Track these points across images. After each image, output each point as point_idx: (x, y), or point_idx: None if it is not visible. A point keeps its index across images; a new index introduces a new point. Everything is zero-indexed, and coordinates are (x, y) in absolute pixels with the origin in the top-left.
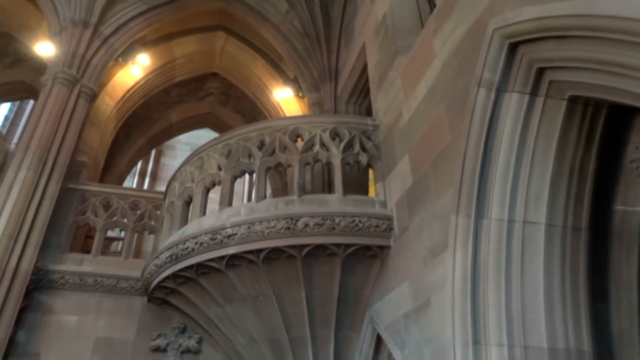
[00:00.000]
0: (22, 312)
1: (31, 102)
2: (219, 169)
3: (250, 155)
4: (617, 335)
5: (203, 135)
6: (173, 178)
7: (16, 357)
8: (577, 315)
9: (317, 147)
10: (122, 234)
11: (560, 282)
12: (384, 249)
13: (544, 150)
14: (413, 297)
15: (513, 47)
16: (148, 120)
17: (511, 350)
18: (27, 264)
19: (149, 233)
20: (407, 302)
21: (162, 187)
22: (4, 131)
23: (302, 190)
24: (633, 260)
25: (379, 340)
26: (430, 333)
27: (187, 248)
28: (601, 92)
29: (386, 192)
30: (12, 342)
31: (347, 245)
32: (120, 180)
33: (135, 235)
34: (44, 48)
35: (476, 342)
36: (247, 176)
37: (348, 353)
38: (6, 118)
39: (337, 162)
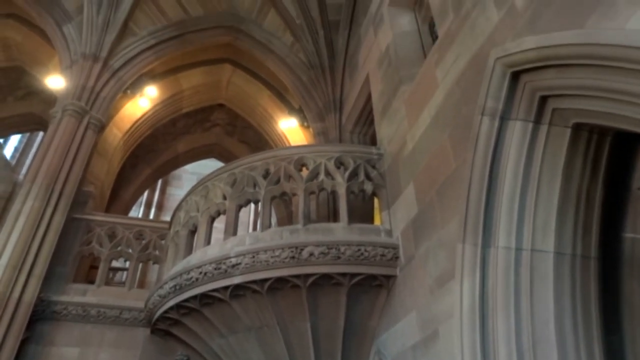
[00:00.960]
0: (24, 343)
1: (41, 133)
2: (224, 198)
3: (255, 185)
4: None
5: (209, 165)
6: (178, 207)
7: None
8: (590, 347)
9: (322, 176)
10: (127, 264)
11: (572, 312)
12: (390, 278)
13: (550, 178)
14: (420, 328)
15: (515, 76)
16: (154, 151)
17: None
18: (30, 295)
19: (154, 263)
20: (414, 333)
21: (168, 217)
22: (14, 162)
23: (307, 219)
24: None
25: None
26: None
27: (191, 278)
28: (605, 119)
29: (391, 220)
30: None
31: (353, 275)
32: (126, 211)
33: (140, 265)
34: (55, 81)
35: None
36: (252, 205)
37: None
38: (16, 149)
39: (342, 190)
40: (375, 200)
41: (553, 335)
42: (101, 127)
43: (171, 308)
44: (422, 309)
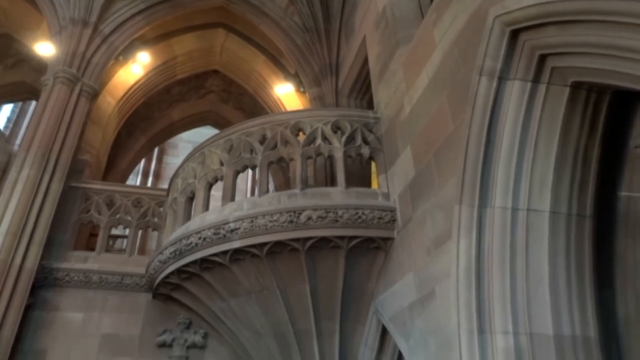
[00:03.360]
0: (28, 309)
1: (33, 103)
2: (221, 164)
3: (252, 150)
4: (623, 321)
5: (205, 133)
6: (175, 175)
7: (23, 354)
8: (583, 302)
9: (319, 141)
10: (126, 232)
11: (566, 269)
12: (387, 240)
13: (547, 138)
14: (417, 288)
15: (514, 35)
16: (149, 119)
17: (517, 337)
18: (31, 262)
19: (153, 230)
20: (411, 293)
21: (165, 186)
22: (7, 132)
23: (305, 184)
24: (639, 245)
25: (384, 332)
26: (435, 323)
27: (190, 243)
28: (604, 77)
29: (389, 184)
30: (18, 339)
31: (351, 238)
32: (123, 179)
33: (140, 232)
34: (44, 48)
35: (481, 331)
36: (249, 173)
37: (353, 345)
38: (9, 119)
39: (339, 155)
40: (373, 165)
41: (547, 292)
42: (94, 95)
43: (172, 273)
44: (419, 270)
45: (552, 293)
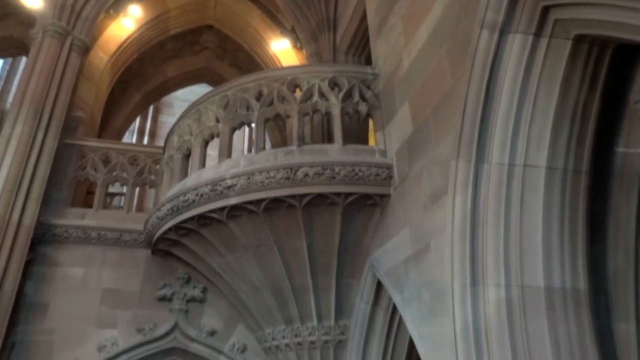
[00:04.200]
0: (29, 264)
1: (24, 59)
2: (217, 121)
3: (248, 107)
4: (613, 274)
5: (200, 92)
6: (171, 132)
7: (26, 307)
8: (575, 256)
9: (315, 97)
10: (124, 189)
11: (559, 224)
12: (384, 197)
13: (547, 92)
14: (413, 243)
15: None
16: (143, 76)
17: (508, 289)
18: (29, 218)
19: (150, 187)
20: (406, 248)
21: (160, 145)
22: None
23: (302, 141)
24: (632, 201)
25: (379, 286)
26: (429, 276)
27: (187, 200)
28: (608, 29)
29: (386, 140)
30: (21, 292)
31: (347, 194)
32: (118, 138)
33: (137, 190)
34: (32, 0)
35: (474, 283)
36: (246, 133)
37: (349, 299)
38: None
39: (336, 112)
40: (370, 123)
41: (540, 246)
42: (85, 49)
43: (170, 229)
44: (415, 225)
45: (544, 247)
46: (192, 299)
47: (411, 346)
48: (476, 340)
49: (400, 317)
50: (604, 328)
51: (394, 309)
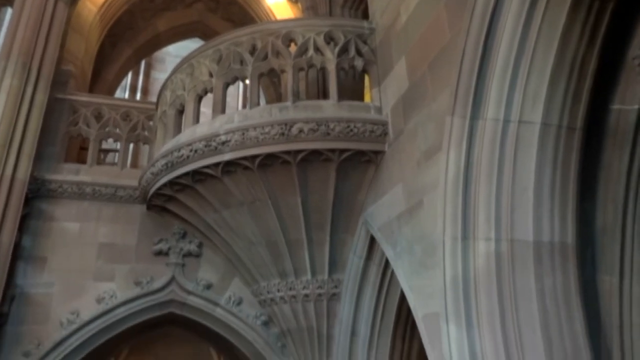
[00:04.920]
0: (25, 219)
1: (9, 10)
2: (210, 75)
3: (241, 61)
4: (601, 229)
5: (193, 48)
6: (164, 87)
7: (24, 261)
8: (564, 211)
9: (311, 52)
10: (117, 146)
11: (551, 180)
12: (378, 154)
13: (545, 48)
14: (406, 199)
15: None
16: (133, 29)
17: (498, 243)
18: (23, 173)
19: (143, 143)
20: (400, 204)
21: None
22: None
23: (296, 97)
24: (624, 157)
25: (372, 241)
26: (421, 231)
27: (182, 155)
28: None
29: (382, 97)
30: (19, 246)
31: (342, 151)
32: (110, 94)
33: (131, 147)
34: None
35: (465, 238)
36: (240, 90)
37: (343, 254)
38: None
39: (331, 67)
40: (367, 80)
41: (531, 202)
42: (72, 0)
43: (164, 185)
44: (409, 182)
45: (535, 202)
46: (188, 254)
47: (402, 298)
48: (465, 291)
49: (392, 271)
50: (588, 281)
51: (387, 263)
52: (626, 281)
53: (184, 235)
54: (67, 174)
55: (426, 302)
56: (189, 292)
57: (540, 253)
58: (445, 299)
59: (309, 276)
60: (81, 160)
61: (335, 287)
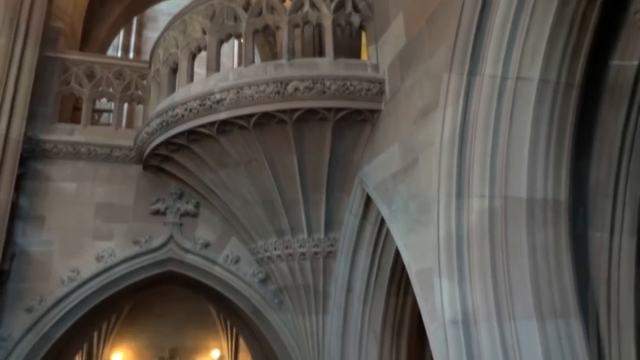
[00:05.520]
0: (21, 179)
1: None
2: (204, 32)
3: (235, 17)
4: (594, 187)
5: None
6: (156, 44)
7: (22, 220)
8: (559, 169)
9: (306, 7)
10: (111, 106)
11: (546, 138)
12: (374, 112)
13: (546, 3)
14: (402, 157)
15: None
16: None
17: (492, 200)
18: (16, 133)
19: (137, 103)
20: (396, 163)
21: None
22: None
23: (292, 54)
24: (621, 115)
25: (368, 200)
26: (416, 189)
27: (176, 115)
28: None
29: (378, 54)
30: (16, 206)
31: (338, 110)
32: (101, 53)
33: (126, 106)
34: None
35: (459, 195)
36: (235, 50)
37: (339, 213)
38: None
39: (327, 23)
40: (364, 38)
41: (525, 159)
42: None
43: (160, 145)
44: (405, 140)
45: (530, 160)
46: (186, 213)
47: (396, 256)
48: (458, 247)
49: (387, 230)
50: (579, 237)
51: (382, 222)
52: (616, 237)
53: (181, 195)
54: (61, 134)
55: (420, 258)
56: (187, 251)
57: (533, 209)
58: (439, 254)
59: (305, 235)
60: (75, 120)
61: (331, 245)
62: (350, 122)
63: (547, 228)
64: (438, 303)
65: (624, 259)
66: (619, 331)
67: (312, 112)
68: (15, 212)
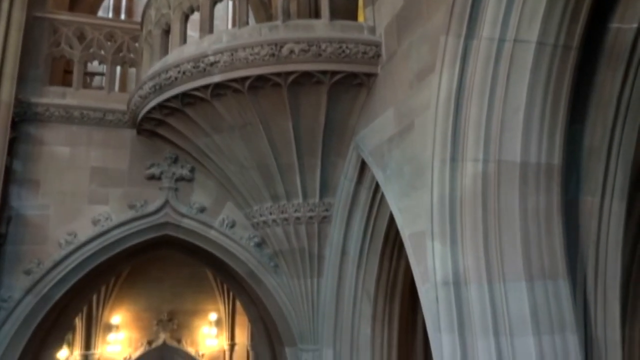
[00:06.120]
0: (14, 143)
1: None
2: None
3: None
4: (587, 151)
5: None
6: (148, 5)
7: (17, 184)
8: (553, 133)
9: None
10: (103, 69)
11: (542, 101)
12: (371, 76)
13: None
14: (397, 121)
15: None
16: None
17: (485, 164)
18: (7, 95)
19: (130, 66)
20: (391, 127)
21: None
22: None
23: (287, 15)
24: (618, 78)
25: (363, 165)
26: (411, 153)
27: (170, 77)
28: None
29: (375, 16)
30: (10, 170)
31: (334, 73)
32: (91, 14)
33: (118, 69)
34: None
35: (454, 159)
36: (230, 12)
37: (334, 177)
38: None
39: None
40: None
41: (521, 123)
42: None
43: (154, 108)
44: (400, 104)
45: (525, 124)
46: (181, 178)
47: (390, 221)
48: (451, 210)
49: (382, 194)
50: (571, 201)
51: (377, 187)
52: (607, 200)
53: (175, 160)
54: (53, 97)
55: (413, 221)
56: (183, 215)
57: (526, 174)
58: (432, 217)
59: (300, 199)
60: (67, 83)
61: (326, 210)
62: (346, 86)
63: (539, 192)
64: (430, 265)
65: (613, 222)
66: (605, 292)
67: (307, 75)
68: (9, 177)
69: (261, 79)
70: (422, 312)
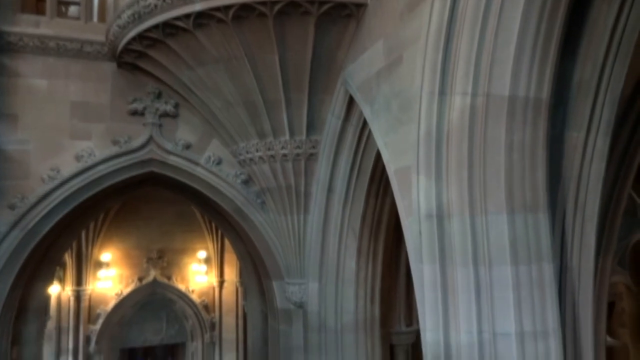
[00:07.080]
0: None
1: None
2: None
3: None
4: (576, 86)
5: None
6: None
7: None
8: (543, 67)
9: None
10: None
11: (534, 35)
12: (360, 7)
13: None
14: (386, 55)
15: None
16: None
17: (474, 98)
18: None
19: None
20: (379, 61)
21: None
22: None
23: None
24: (612, 13)
25: (350, 101)
26: (399, 87)
27: (149, 5)
28: None
29: None
30: None
31: (322, 3)
32: None
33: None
34: None
35: (442, 92)
36: None
37: (321, 114)
38: None
39: None
40: None
41: (511, 56)
42: None
43: (133, 39)
44: (390, 36)
45: (515, 57)
46: (165, 114)
47: (377, 158)
48: (437, 144)
49: (369, 132)
50: (557, 137)
51: (364, 124)
52: (592, 135)
53: (159, 95)
54: (26, 26)
55: (400, 156)
56: (169, 152)
57: (514, 108)
58: (418, 152)
59: (287, 136)
60: (40, 12)
61: (313, 147)
62: (335, 17)
63: (526, 126)
64: (414, 199)
65: (596, 156)
66: (583, 224)
67: (294, 5)
68: None
69: (246, 7)
70: (405, 246)
